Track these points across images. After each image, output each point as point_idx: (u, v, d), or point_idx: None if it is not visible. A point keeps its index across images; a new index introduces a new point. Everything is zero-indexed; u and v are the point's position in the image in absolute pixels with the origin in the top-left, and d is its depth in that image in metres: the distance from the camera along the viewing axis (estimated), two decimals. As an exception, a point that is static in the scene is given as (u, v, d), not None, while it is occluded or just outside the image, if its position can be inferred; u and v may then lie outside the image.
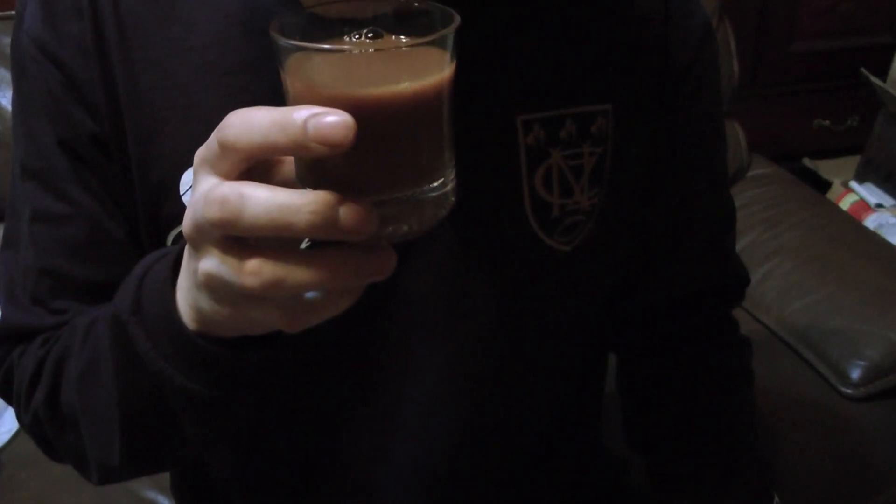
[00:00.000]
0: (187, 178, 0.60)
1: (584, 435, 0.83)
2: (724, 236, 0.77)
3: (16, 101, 0.65)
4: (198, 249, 0.44)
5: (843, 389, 1.20)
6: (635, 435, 0.82)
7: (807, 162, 2.35)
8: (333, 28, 0.45)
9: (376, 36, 0.45)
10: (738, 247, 0.81)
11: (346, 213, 0.39)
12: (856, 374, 1.19)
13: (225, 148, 0.41)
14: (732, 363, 0.81)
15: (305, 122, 0.38)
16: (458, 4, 0.58)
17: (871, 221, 1.91)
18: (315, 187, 0.42)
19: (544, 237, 0.63)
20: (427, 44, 0.42)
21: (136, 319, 0.52)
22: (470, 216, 0.62)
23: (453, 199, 0.46)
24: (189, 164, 0.59)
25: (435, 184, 0.44)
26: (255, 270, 0.41)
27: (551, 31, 0.62)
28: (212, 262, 0.43)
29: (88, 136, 0.61)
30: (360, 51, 0.41)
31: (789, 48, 2.34)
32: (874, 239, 1.51)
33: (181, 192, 0.60)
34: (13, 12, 0.64)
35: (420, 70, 0.42)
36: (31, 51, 0.61)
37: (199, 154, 0.43)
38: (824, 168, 2.31)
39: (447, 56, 0.44)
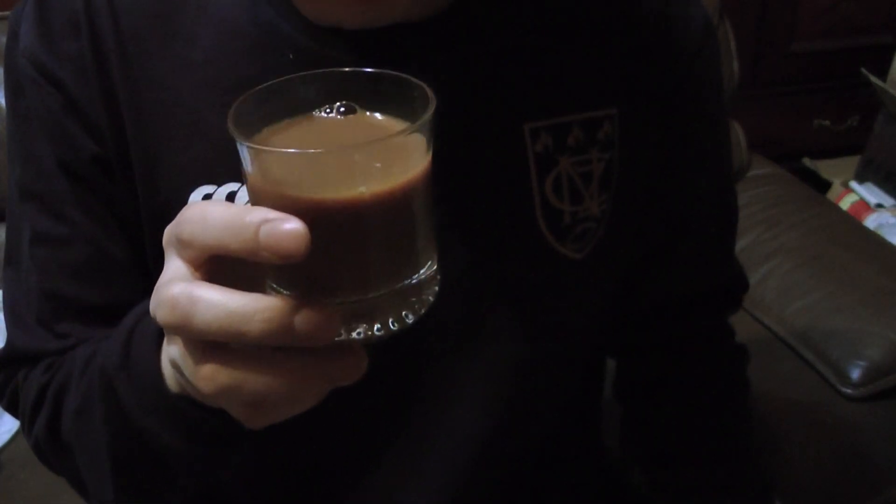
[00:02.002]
0: (195, 198, 0.59)
1: (585, 435, 0.83)
2: (724, 238, 0.77)
3: (11, 121, 0.63)
4: (165, 332, 0.43)
5: (843, 389, 1.19)
6: (632, 444, 0.81)
7: (807, 162, 2.35)
8: (300, 98, 0.42)
9: (348, 111, 0.42)
10: (738, 247, 0.80)
11: (303, 320, 0.37)
12: (856, 374, 1.19)
13: (181, 243, 0.40)
14: (729, 371, 0.80)
15: (258, 228, 0.36)
16: (462, 14, 0.59)
17: (871, 221, 1.90)
18: (278, 284, 0.39)
19: (557, 245, 0.63)
20: (404, 133, 0.38)
21: (124, 374, 0.51)
22: (482, 227, 0.61)
23: (436, 288, 0.42)
24: (195, 182, 0.59)
25: (409, 280, 0.40)
26: (209, 377, 0.39)
27: (554, 37, 0.61)
28: (175, 352, 0.42)
29: (90, 158, 0.60)
30: (320, 151, 0.38)
31: (789, 48, 2.34)
32: (874, 239, 1.50)
33: None
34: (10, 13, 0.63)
35: (390, 165, 0.38)
36: (28, 71, 0.60)
37: (168, 232, 0.41)
38: (824, 168, 2.31)
39: (423, 143, 0.39)
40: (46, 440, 0.62)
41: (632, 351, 0.81)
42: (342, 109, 0.42)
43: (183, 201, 0.59)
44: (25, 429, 0.64)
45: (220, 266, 0.40)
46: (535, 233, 0.62)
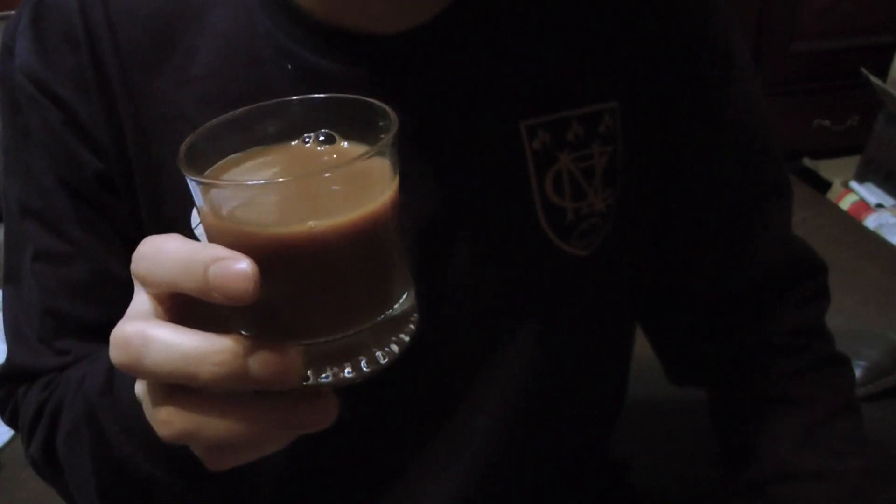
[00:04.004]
0: (195, 213, 0.59)
1: (599, 436, 0.80)
2: (769, 214, 0.71)
3: (9, 137, 0.62)
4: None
5: (843, 389, 1.19)
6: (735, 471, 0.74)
7: (807, 162, 2.35)
8: (257, 131, 0.39)
9: (328, 140, 0.38)
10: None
11: (260, 363, 0.34)
12: (856, 373, 1.19)
13: (138, 280, 0.38)
14: (827, 390, 0.72)
15: (207, 268, 0.34)
16: (455, 18, 0.58)
17: (871, 221, 1.90)
18: (243, 326, 0.36)
19: (560, 243, 0.62)
20: (361, 159, 0.34)
21: (107, 401, 0.51)
22: (482, 229, 0.61)
23: (412, 326, 0.38)
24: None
25: (382, 317, 0.37)
26: (166, 421, 0.37)
27: (549, 32, 0.61)
28: (140, 388, 0.40)
29: (93, 175, 0.59)
30: (271, 182, 0.34)
31: (789, 48, 2.34)
32: (874, 239, 1.50)
33: (193, 227, 0.58)
34: (13, 12, 0.62)
35: (350, 194, 0.35)
36: (26, 88, 0.59)
37: (133, 261, 0.39)
38: (824, 168, 2.31)
39: (387, 168, 0.36)
40: (42, 460, 0.61)
41: (716, 373, 0.75)
42: (322, 139, 0.39)
43: (185, 217, 0.58)
44: (24, 445, 0.64)
45: (191, 301, 0.37)
46: (538, 232, 0.61)
